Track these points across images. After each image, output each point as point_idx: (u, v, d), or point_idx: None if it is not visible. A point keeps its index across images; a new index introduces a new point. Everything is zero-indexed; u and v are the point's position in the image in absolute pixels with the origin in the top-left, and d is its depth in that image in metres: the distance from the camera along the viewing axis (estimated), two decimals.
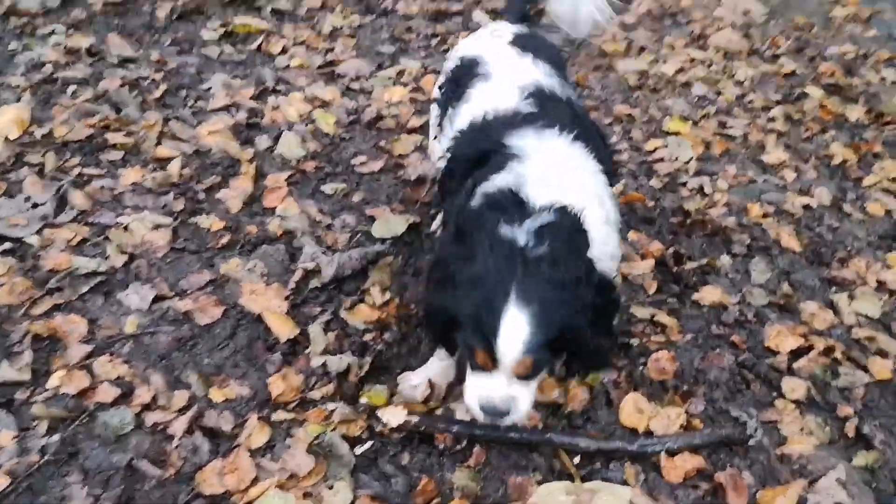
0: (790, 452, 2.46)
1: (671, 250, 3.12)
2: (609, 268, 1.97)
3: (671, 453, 2.38)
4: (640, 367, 2.68)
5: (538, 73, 2.31)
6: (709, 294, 2.98)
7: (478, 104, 2.23)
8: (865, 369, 2.77)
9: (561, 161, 1.99)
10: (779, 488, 2.34)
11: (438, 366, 2.43)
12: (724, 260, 3.16)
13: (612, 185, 2.21)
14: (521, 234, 1.75)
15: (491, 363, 1.76)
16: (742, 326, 2.90)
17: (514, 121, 2.07)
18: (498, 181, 1.90)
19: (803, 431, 2.53)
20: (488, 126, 2.12)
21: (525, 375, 1.79)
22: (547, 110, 2.12)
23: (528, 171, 1.90)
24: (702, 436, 2.44)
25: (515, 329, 1.68)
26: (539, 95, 2.19)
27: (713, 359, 2.73)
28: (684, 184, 3.60)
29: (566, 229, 1.79)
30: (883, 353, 2.84)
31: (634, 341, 2.76)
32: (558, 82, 2.31)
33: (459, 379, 2.32)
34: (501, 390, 1.81)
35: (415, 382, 2.44)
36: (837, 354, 2.80)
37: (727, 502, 2.29)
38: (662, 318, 2.85)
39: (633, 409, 2.52)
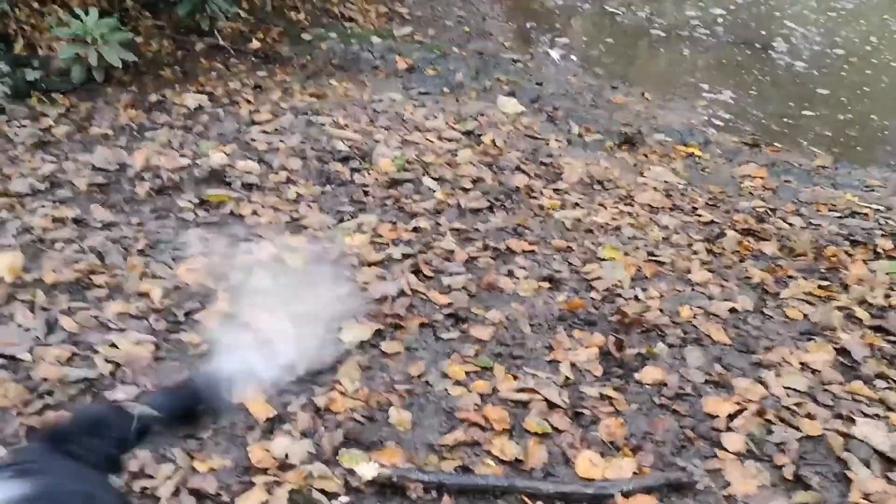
0: (735, 492, 2.68)
1: (612, 339, 3.45)
2: None
3: (626, 495, 2.58)
4: (593, 432, 2.92)
5: None
6: (650, 374, 3.28)
7: None
8: (797, 428, 3.05)
9: None
10: None
11: None
12: (661, 348, 3.50)
13: None
14: None
15: None
16: (682, 399, 3.18)
17: None
18: None
19: (745, 476, 2.76)
20: None
21: None
22: None
23: None
24: (653, 478, 2.66)
25: None
26: None
27: (658, 423, 2.99)
28: (620, 295, 4.00)
29: None
30: (811, 416, 3.13)
31: (585, 412, 3.01)
32: None
33: None
34: None
35: None
36: (770, 417, 3.09)
37: None
38: (609, 392, 3.13)
39: (589, 464, 2.74)
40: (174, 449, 2.61)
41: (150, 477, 2.47)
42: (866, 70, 9.84)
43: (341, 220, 4.69)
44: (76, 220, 4.40)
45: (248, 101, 7.10)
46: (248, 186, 5.09)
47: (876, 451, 2.91)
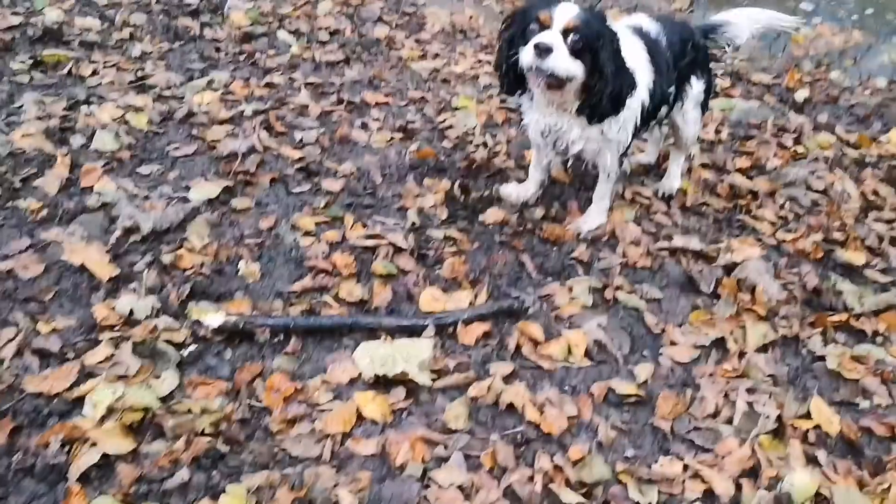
0: (562, 314, 2.94)
1: (457, 183, 3.59)
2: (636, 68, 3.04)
3: (464, 322, 2.79)
4: (437, 271, 3.10)
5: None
6: (492, 215, 3.46)
7: None
8: (624, 255, 3.32)
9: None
10: (552, 340, 2.80)
11: (523, 186, 3.59)
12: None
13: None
14: None
15: (549, 20, 2.79)
16: (521, 235, 3.38)
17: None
18: None
19: (573, 300, 3.02)
20: None
21: (567, 36, 2.78)
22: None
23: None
24: (487, 307, 2.87)
25: (569, 7, 2.82)
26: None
27: (497, 258, 3.19)
28: (471, 142, 4.12)
29: (611, 29, 2.94)
30: (636, 243, 3.40)
31: (430, 253, 3.18)
32: None
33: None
34: (552, 36, 2.77)
35: (510, 189, 3.57)
36: (598, 245, 3.36)
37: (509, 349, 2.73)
38: (453, 233, 3.30)
39: (431, 299, 2.92)
40: (15, 313, 2.62)
41: None
42: None
43: (190, 79, 4.53)
44: None
45: None
46: (89, 45, 4.80)
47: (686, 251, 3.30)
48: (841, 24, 7.21)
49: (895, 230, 3.69)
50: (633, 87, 3.00)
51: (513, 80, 3.07)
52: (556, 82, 2.88)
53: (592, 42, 2.82)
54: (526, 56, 2.80)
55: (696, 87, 3.51)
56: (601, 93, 2.90)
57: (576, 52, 2.82)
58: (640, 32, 3.24)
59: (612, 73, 2.87)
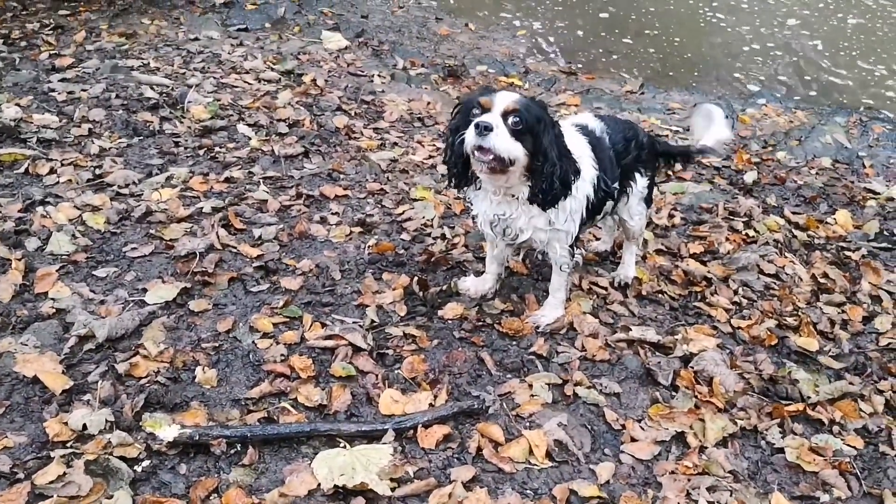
0: (523, 413, 2.94)
1: (416, 279, 3.61)
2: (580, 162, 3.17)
3: (423, 426, 2.77)
4: (396, 371, 3.09)
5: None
6: (451, 310, 3.48)
7: None
8: (582, 348, 3.35)
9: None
10: (512, 442, 2.79)
11: (481, 279, 3.65)
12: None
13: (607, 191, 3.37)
14: None
15: (490, 104, 2.89)
16: (480, 331, 3.40)
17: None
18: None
19: (532, 398, 3.02)
20: None
21: (507, 118, 2.87)
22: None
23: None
24: (447, 408, 2.86)
25: (509, 94, 2.93)
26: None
27: (457, 355, 3.20)
28: (429, 234, 4.17)
29: (551, 117, 3.04)
30: (595, 335, 3.44)
31: (389, 352, 3.18)
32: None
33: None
34: (492, 117, 2.85)
35: (468, 284, 3.62)
36: (557, 338, 3.38)
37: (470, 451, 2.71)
38: (412, 331, 3.31)
39: (390, 401, 2.90)
40: None
41: None
42: None
43: (149, 175, 4.55)
44: None
45: (49, 44, 6.63)
46: (46, 142, 4.81)
47: (644, 342, 3.34)
48: (785, 104, 7.51)
49: (846, 314, 3.79)
50: (577, 173, 3.09)
51: (460, 170, 3.14)
52: (499, 166, 2.92)
53: (533, 125, 2.90)
54: (469, 137, 2.87)
55: (639, 182, 3.61)
56: (550, 175, 2.96)
57: (516, 134, 2.89)
58: (585, 130, 3.35)
59: (556, 155, 2.96)
